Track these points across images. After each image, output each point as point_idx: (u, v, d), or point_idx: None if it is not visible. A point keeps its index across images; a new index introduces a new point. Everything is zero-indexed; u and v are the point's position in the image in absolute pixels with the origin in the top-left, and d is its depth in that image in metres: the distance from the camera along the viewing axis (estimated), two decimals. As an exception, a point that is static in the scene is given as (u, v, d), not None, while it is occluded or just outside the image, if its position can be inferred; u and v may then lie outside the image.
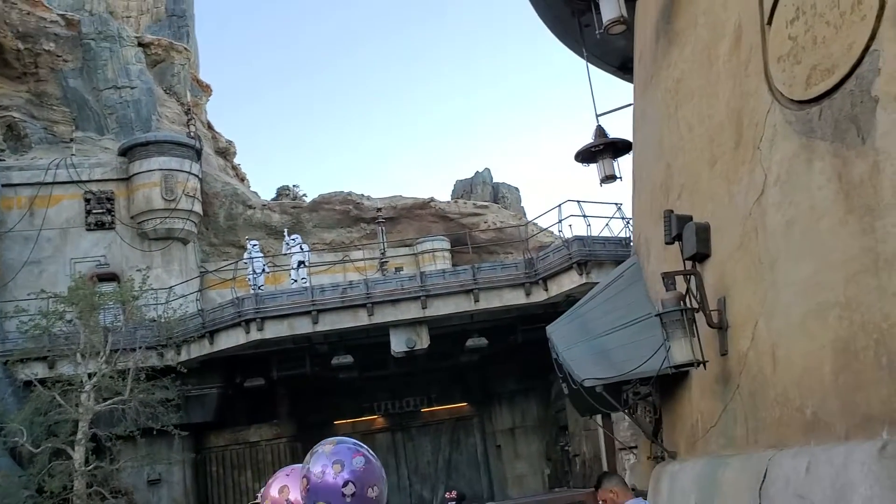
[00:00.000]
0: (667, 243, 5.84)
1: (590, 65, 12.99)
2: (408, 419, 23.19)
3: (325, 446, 2.59)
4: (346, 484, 2.39)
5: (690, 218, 5.66)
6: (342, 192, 23.99)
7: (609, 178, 10.44)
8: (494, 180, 26.98)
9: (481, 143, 69.10)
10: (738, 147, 4.96)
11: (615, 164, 10.52)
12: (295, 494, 2.91)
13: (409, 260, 24.03)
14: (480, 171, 26.97)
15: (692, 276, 5.32)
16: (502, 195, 26.38)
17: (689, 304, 5.25)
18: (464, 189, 26.79)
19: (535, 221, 17.51)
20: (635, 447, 14.91)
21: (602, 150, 10.39)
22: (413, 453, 23.44)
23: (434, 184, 79.92)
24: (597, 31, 6.87)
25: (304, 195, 25.59)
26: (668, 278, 5.31)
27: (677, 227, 5.69)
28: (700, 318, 5.26)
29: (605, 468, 18.01)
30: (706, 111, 5.48)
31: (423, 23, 73.33)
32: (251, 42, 75.67)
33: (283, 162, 71.57)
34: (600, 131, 10.67)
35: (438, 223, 24.86)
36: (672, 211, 5.81)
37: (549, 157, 70.22)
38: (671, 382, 6.04)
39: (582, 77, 69.20)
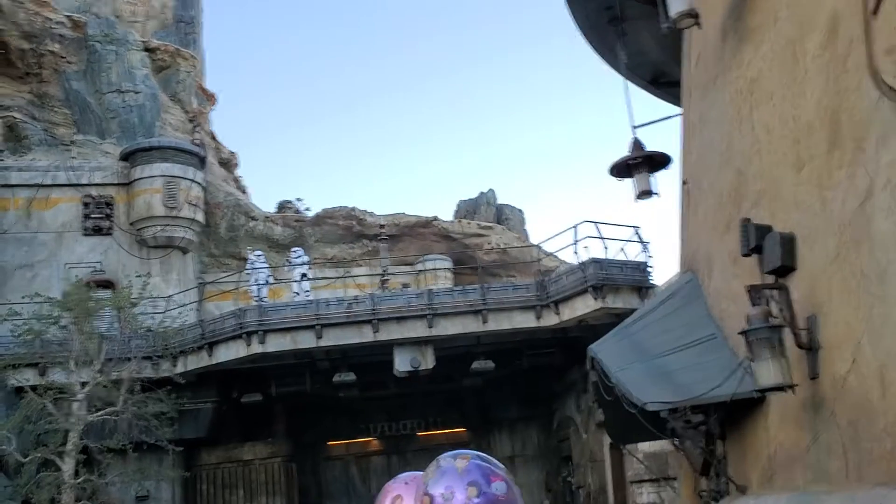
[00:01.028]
0: (743, 255, 5.39)
1: (620, 74, 12.63)
2: (404, 443, 22.57)
3: (456, 461, 2.11)
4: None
5: (771, 228, 5.22)
6: (346, 207, 23.54)
7: (645, 193, 9.99)
8: (498, 201, 26.59)
9: (486, 163, 68.78)
10: (834, 149, 4.52)
11: (652, 178, 10.13)
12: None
13: (411, 279, 23.54)
14: (485, 191, 26.59)
15: (778, 291, 4.87)
16: (506, 217, 25.98)
17: (774, 322, 4.79)
18: (467, 209, 26.38)
19: (548, 243, 17.10)
20: (656, 479, 14.38)
21: (639, 163, 10.00)
22: (408, 478, 22.80)
23: (436, 203, 79.51)
24: (663, 26, 6.46)
25: (308, 209, 25.12)
26: (756, 292, 4.85)
27: (756, 238, 5.24)
28: (787, 336, 4.80)
29: (611, 502, 17.45)
30: (790, 111, 5.05)
31: (431, 39, 73.24)
32: (256, 53, 75.31)
33: (285, 176, 70.98)
34: (637, 144, 10.24)
35: (441, 242, 24.41)
36: (749, 220, 5.37)
37: (556, 180, 69.66)
38: (741, 409, 5.56)
39: (594, 101, 69.18)
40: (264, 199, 31.41)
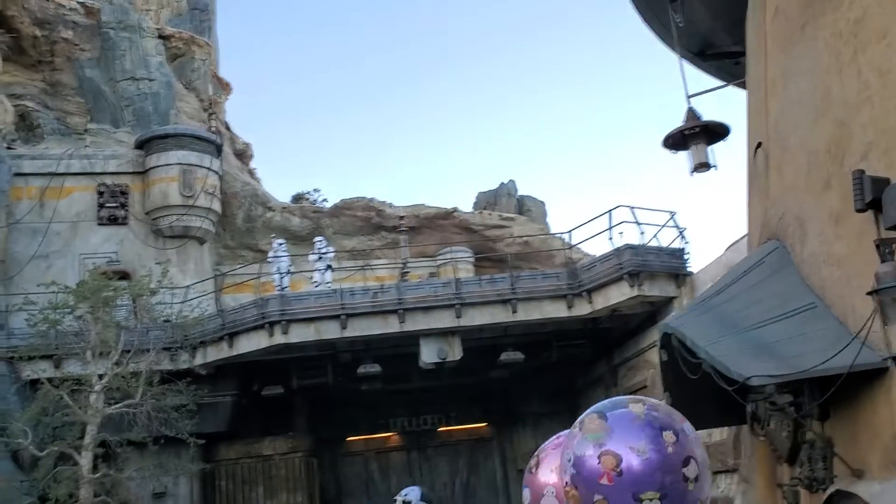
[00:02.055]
0: (858, 210, 4.80)
1: (667, 46, 12.04)
2: (424, 438, 22.02)
3: (631, 407, 1.71)
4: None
5: (888, 180, 4.64)
6: (364, 197, 23.01)
7: (702, 165, 9.42)
8: (519, 193, 26.00)
9: (506, 153, 67.75)
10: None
11: (709, 150, 9.56)
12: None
13: (430, 272, 23.01)
14: (505, 182, 26.00)
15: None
16: (527, 208, 25.38)
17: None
18: (487, 201, 25.79)
19: (579, 230, 16.52)
20: (719, 472, 13.78)
21: (695, 134, 9.43)
22: (429, 475, 22.23)
23: (455, 194, 78.60)
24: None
25: (325, 200, 24.59)
26: (885, 247, 4.28)
27: (872, 192, 4.65)
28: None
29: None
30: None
31: (450, 26, 72.36)
32: (270, 42, 74.45)
33: (300, 168, 70.12)
34: (692, 114, 9.68)
35: (461, 234, 23.84)
36: (863, 172, 4.78)
37: (577, 172, 68.65)
38: (853, 384, 4.98)
39: (615, 92, 68.33)
40: (279, 192, 30.81)
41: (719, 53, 11.73)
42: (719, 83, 11.63)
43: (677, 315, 6.66)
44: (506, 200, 25.44)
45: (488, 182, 50.38)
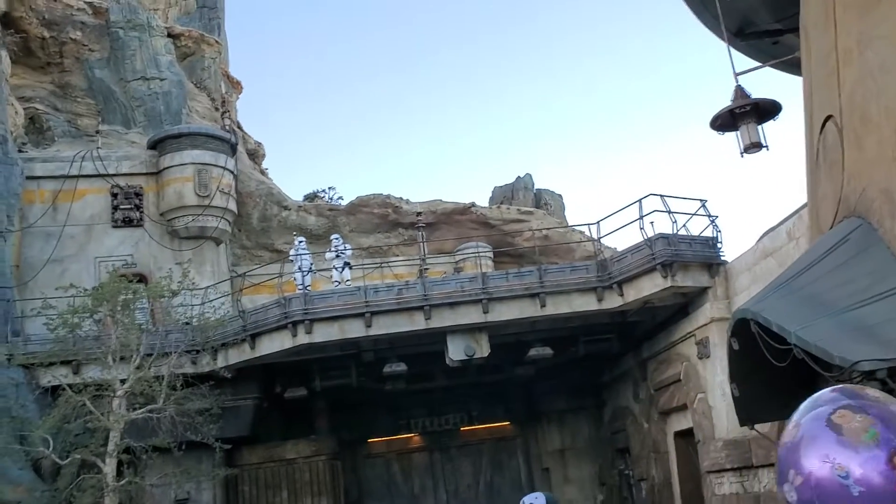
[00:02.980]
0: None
1: (705, 25, 11.62)
2: (446, 438, 21.61)
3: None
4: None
5: None
6: (380, 194, 22.60)
7: (754, 146, 9.00)
8: (536, 187, 25.59)
9: (522, 146, 67.11)
10: None
11: (760, 130, 9.14)
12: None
13: (449, 268, 22.62)
14: (521, 176, 25.60)
15: None
16: (545, 202, 24.99)
17: None
18: (503, 195, 25.40)
19: (607, 220, 16.02)
20: (738, 468, 13.36)
21: (746, 113, 9.02)
22: (452, 476, 21.84)
23: (471, 189, 78.16)
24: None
25: (341, 198, 24.19)
26: None
27: None
28: None
29: (677, 494, 16.45)
30: None
31: (462, 21, 71.92)
32: (281, 39, 73.95)
33: (312, 168, 69.73)
34: (741, 92, 9.27)
35: (479, 229, 23.44)
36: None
37: (594, 164, 67.95)
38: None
39: (634, 84, 67.64)
40: (291, 191, 30.51)
41: (758, 32, 11.33)
42: (751, 62, 11.23)
43: (755, 299, 6.24)
44: (523, 194, 25.06)
45: (505, 176, 49.94)
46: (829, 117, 6.79)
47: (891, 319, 4.82)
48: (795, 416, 1.80)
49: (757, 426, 7.83)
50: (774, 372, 6.60)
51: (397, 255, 22.44)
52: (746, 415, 7.62)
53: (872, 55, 5.91)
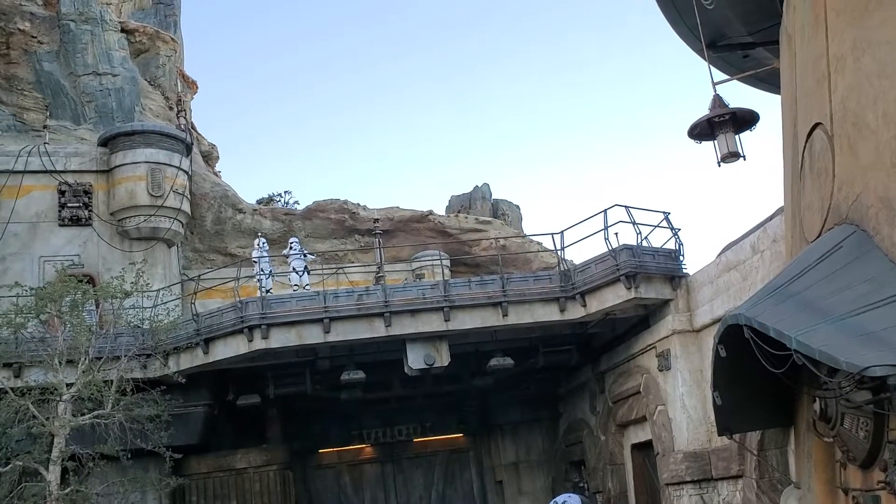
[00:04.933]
0: None
1: (678, 35, 11.64)
2: (399, 449, 21.32)
3: None
4: None
5: None
6: (337, 199, 22.26)
7: (731, 155, 8.98)
8: (494, 196, 25.51)
9: (480, 156, 66.84)
10: None
11: (737, 139, 9.14)
12: None
13: (406, 276, 22.36)
14: (479, 185, 25.51)
15: None
16: (502, 212, 24.92)
17: None
18: (461, 204, 25.27)
19: (570, 230, 15.84)
20: (698, 481, 13.34)
21: (723, 122, 9.02)
22: (404, 487, 21.54)
23: (428, 198, 78.11)
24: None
25: (297, 203, 23.76)
26: None
27: None
28: None
29: (633, 506, 16.41)
30: None
31: (423, 27, 71.56)
32: (237, 40, 72.72)
33: (267, 172, 68.60)
34: (719, 101, 9.27)
35: (436, 238, 23.23)
36: None
37: (551, 176, 68.14)
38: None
39: (590, 92, 68.08)
40: (246, 195, 30.01)
41: (731, 45, 11.39)
42: (722, 75, 11.30)
43: (747, 304, 6.14)
44: (480, 204, 24.96)
45: (462, 185, 49.76)
46: (817, 125, 6.76)
47: (894, 326, 4.74)
48: None
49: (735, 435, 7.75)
50: (758, 381, 6.51)
51: (353, 262, 22.10)
52: (726, 424, 7.53)
53: (870, 60, 5.88)
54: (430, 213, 23.34)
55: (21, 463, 12.39)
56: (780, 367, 5.33)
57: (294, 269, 16.72)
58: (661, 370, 14.64)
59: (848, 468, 6.16)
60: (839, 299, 5.24)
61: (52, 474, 12.20)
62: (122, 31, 21.35)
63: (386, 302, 14.87)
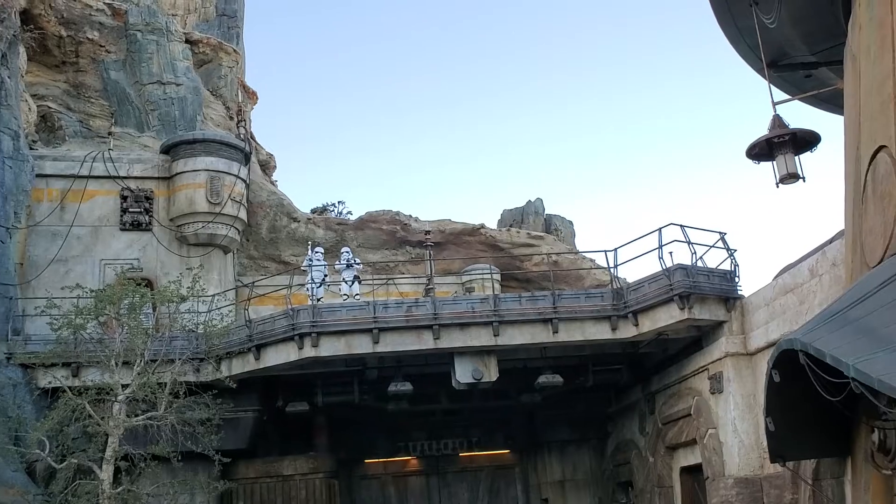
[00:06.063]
0: None
1: (739, 53, 11.49)
2: (444, 463, 21.26)
3: None
4: None
5: None
6: (389, 211, 22.42)
7: (791, 176, 8.81)
8: (547, 212, 25.39)
9: (534, 170, 66.73)
10: None
11: (797, 160, 8.96)
12: None
13: (455, 289, 22.39)
14: (532, 200, 25.41)
15: None
16: (555, 228, 24.78)
17: None
18: (513, 219, 25.20)
19: (624, 248, 15.72)
20: None
21: (783, 142, 8.85)
22: (448, 501, 21.47)
23: (479, 211, 78.05)
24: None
25: (350, 212, 23.99)
26: None
27: None
28: None
29: (681, 529, 16.09)
30: None
31: (479, 42, 71.95)
32: (297, 51, 74.13)
33: (321, 181, 69.66)
34: (779, 121, 9.11)
35: (487, 252, 23.23)
36: None
37: (605, 193, 67.67)
38: None
39: (646, 108, 67.52)
40: (300, 204, 30.46)
41: (793, 64, 11.21)
42: (783, 95, 11.09)
43: (803, 329, 6.00)
44: (533, 219, 24.86)
45: (514, 199, 49.54)
46: (881, 147, 6.60)
47: (960, 357, 4.58)
48: None
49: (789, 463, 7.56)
50: (813, 409, 6.32)
51: (403, 273, 22.22)
52: (779, 451, 7.35)
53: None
54: (482, 226, 23.35)
55: (76, 461, 12.71)
56: (836, 395, 5.19)
57: (344, 279, 16.85)
58: (713, 393, 14.37)
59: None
60: (901, 327, 5.08)
61: (106, 473, 12.49)
62: (187, 41, 21.90)
63: (435, 314, 14.89)
